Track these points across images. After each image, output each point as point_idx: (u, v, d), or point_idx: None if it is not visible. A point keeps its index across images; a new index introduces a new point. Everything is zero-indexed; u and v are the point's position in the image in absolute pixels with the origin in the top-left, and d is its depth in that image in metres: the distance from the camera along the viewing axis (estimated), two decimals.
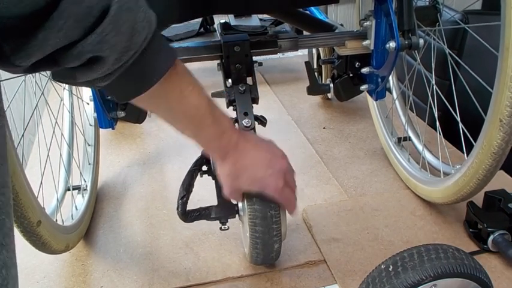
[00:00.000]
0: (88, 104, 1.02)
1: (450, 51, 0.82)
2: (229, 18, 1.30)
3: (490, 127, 0.64)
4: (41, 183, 0.74)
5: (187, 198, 0.70)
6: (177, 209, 0.69)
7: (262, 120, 0.80)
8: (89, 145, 1.00)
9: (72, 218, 0.81)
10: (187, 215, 0.70)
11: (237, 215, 0.71)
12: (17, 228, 0.62)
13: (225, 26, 0.96)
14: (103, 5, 0.39)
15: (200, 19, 1.67)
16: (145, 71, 0.48)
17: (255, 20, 1.35)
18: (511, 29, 0.57)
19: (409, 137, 0.99)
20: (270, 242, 0.68)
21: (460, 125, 0.78)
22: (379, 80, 0.87)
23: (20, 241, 0.81)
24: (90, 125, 1.02)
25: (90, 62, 0.41)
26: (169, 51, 0.50)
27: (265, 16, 1.45)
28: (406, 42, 0.77)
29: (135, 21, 0.42)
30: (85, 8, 0.38)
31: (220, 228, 0.71)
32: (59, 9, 0.36)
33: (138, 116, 0.89)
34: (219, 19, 1.36)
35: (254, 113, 0.79)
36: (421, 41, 0.78)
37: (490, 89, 0.65)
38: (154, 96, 0.51)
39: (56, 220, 0.75)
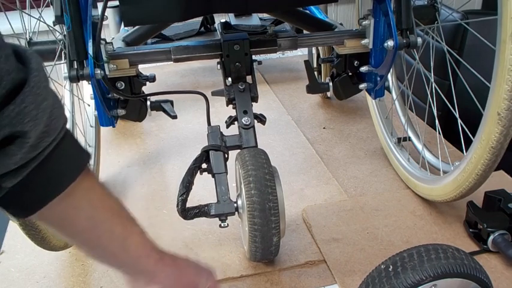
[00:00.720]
0: (89, 105, 1.02)
1: (449, 48, 0.82)
2: (230, 18, 1.30)
3: (488, 121, 0.64)
4: None
5: (187, 196, 0.70)
6: (177, 206, 0.69)
7: (261, 119, 0.80)
8: (90, 146, 1.00)
9: None
10: (187, 212, 0.70)
11: (236, 213, 0.71)
12: (16, 222, 0.62)
13: (226, 25, 0.96)
14: (20, 77, 0.36)
15: (200, 18, 1.67)
16: (56, 171, 0.41)
17: (255, 20, 1.35)
18: (507, 22, 0.57)
19: (409, 137, 0.99)
20: (269, 234, 0.68)
21: (459, 121, 0.78)
22: (378, 78, 0.87)
23: (19, 241, 0.82)
24: (91, 126, 1.02)
25: (7, 143, 0.36)
26: (81, 154, 0.44)
27: (265, 15, 1.45)
28: (404, 41, 0.77)
29: (52, 104, 0.38)
30: None
31: (220, 225, 0.71)
32: None
33: (138, 114, 0.89)
34: (219, 18, 1.36)
35: (253, 112, 0.79)
36: (419, 40, 0.78)
37: (489, 86, 0.64)
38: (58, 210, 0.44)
39: None
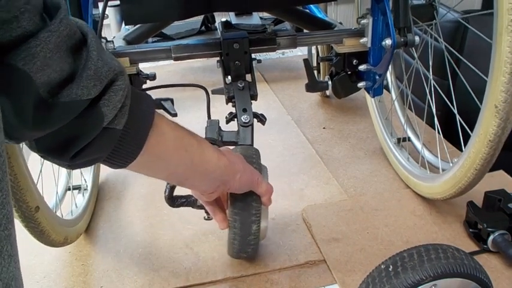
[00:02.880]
0: None
1: (447, 45, 0.82)
2: (230, 17, 1.30)
3: (486, 114, 0.64)
4: (41, 171, 0.74)
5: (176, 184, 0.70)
6: (165, 192, 0.70)
7: (261, 118, 0.80)
8: None
9: (72, 214, 0.81)
10: (174, 200, 0.71)
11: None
12: (16, 213, 0.61)
13: (226, 24, 0.96)
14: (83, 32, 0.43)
15: (201, 17, 1.67)
16: (141, 105, 0.49)
17: (255, 19, 1.36)
18: (504, 14, 0.57)
19: (409, 137, 0.99)
20: (248, 221, 0.67)
21: (458, 117, 0.77)
22: (376, 77, 0.87)
23: (19, 241, 0.81)
24: None
25: (111, 83, 0.43)
26: (143, 91, 0.53)
27: (266, 14, 1.45)
28: (402, 39, 0.77)
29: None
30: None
31: (204, 217, 0.72)
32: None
33: None
34: (220, 17, 1.36)
35: (254, 111, 0.79)
36: (417, 38, 0.78)
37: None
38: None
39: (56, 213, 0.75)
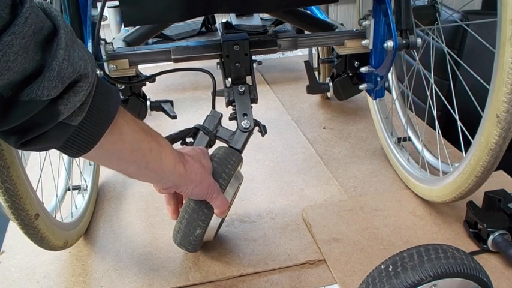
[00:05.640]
0: None
1: (449, 50, 0.82)
2: (231, 18, 1.31)
3: (487, 123, 0.64)
4: (40, 176, 0.74)
5: None
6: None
7: (261, 129, 0.80)
8: None
9: (72, 216, 0.81)
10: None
11: None
12: (15, 221, 0.61)
13: (227, 25, 0.96)
14: (86, 71, 0.43)
15: (202, 18, 1.67)
16: (104, 103, 0.48)
17: (256, 20, 1.36)
18: (507, 25, 0.57)
19: (409, 137, 0.99)
20: (194, 224, 0.69)
21: (459, 123, 0.78)
22: (378, 79, 0.87)
23: (19, 241, 0.82)
24: None
25: (74, 83, 0.43)
26: (112, 88, 0.51)
27: (266, 15, 1.45)
28: (404, 41, 0.77)
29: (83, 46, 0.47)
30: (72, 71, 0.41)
31: None
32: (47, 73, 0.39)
33: (138, 114, 0.89)
34: (221, 18, 1.36)
35: (256, 119, 0.79)
36: (419, 40, 0.78)
37: (489, 88, 0.64)
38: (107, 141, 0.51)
39: (55, 217, 0.75)
